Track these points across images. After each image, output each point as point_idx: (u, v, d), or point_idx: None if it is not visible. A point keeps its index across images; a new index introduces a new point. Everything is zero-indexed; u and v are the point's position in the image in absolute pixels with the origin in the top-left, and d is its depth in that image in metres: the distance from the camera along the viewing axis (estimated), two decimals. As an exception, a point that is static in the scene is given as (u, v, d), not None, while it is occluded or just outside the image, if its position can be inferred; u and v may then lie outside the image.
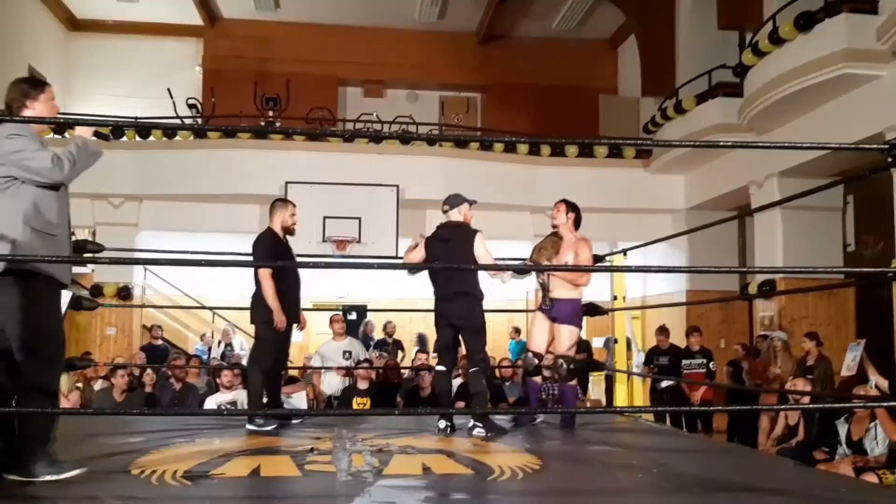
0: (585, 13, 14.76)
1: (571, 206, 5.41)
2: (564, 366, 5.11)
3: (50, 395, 3.34)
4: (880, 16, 7.69)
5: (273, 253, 5.17)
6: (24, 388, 3.28)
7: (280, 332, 5.14)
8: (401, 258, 10.54)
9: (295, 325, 5.40)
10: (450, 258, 5.01)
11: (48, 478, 3.22)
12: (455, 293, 4.98)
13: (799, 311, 9.64)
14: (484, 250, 5.03)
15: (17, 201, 3.24)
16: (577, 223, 5.39)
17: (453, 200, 5.26)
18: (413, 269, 5.29)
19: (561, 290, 5.20)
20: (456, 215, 5.23)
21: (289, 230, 5.40)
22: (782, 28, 8.53)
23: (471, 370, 5.11)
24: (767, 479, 3.58)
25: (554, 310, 5.20)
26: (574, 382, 5.35)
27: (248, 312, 5.29)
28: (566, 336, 5.17)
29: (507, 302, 12.89)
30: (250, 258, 5.38)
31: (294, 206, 5.48)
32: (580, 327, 5.30)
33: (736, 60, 10.29)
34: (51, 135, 11.24)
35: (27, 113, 3.36)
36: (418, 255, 5.20)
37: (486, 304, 5.16)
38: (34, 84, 3.46)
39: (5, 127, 3.28)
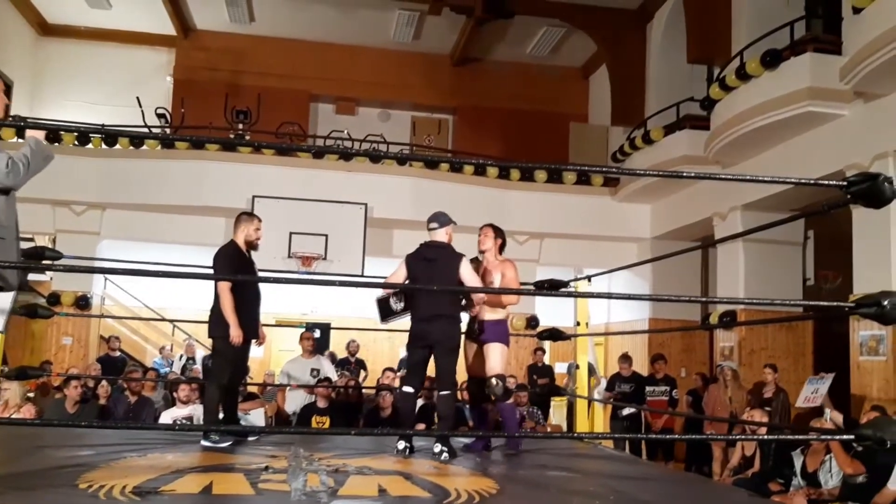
0: (559, 41, 14.97)
1: (499, 232, 5.36)
2: (500, 384, 5.02)
3: None
4: (843, 56, 7.90)
5: (234, 267, 5.09)
6: None
7: (238, 347, 5.06)
8: (367, 277, 10.54)
9: (253, 341, 5.33)
10: (433, 279, 4.89)
11: None
12: (436, 315, 4.89)
13: (758, 342, 9.78)
14: (471, 275, 4.98)
15: None
16: (502, 249, 5.36)
17: (442, 219, 5.12)
18: (398, 314, 5.16)
19: (488, 312, 5.16)
20: (442, 235, 5.10)
21: (252, 245, 5.32)
22: (749, 64, 8.72)
23: (442, 393, 4.99)
24: (721, 509, 3.60)
25: (483, 333, 5.15)
26: (511, 401, 5.29)
27: (207, 326, 5.21)
28: (497, 354, 5.09)
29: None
30: (212, 271, 5.30)
31: (259, 220, 5.38)
32: (507, 343, 5.19)
33: (704, 94, 10.50)
34: (14, 139, 11.07)
35: None
36: (400, 274, 5.08)
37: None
38: None
39: None
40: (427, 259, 5.01)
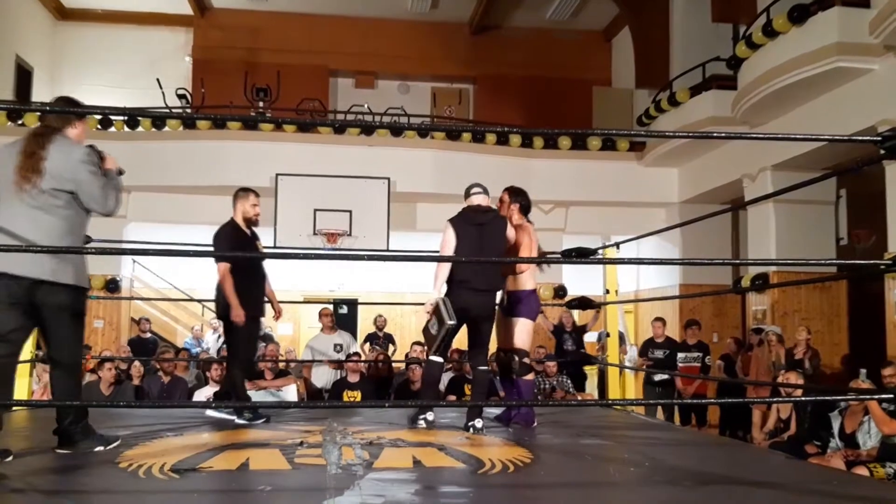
0: (579, 4, 14.72)
1: (515, 193, 5.11)
2: (517, 359, 4.93)
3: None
4: (872, 9, 7.70)
5: (233, 245, 5.00)
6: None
7: (251, 325, 5.00)
8: (392, 251, 10.54)
9: (271, 316, 5.29)
10: (486, 246, 4.67)
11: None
12: (491, 286, 4.74)
13: (791, 304, 9.66)
14: (513, 236, 4.88)
15: (80, 221, 3.65)
16: (523, 209, 5.10)
17: (483, 186, 4.90)
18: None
19: (511, 283, 4.99)
20: (485, 200, 4.86)
21: (251, 221, 5.20)
22: (776, 21, 8.51)
23: (482, 367, 4.86)
24: (759, 472, 3.56)
25: (512, 305, 5.01)
26: (531, 377, 5.10)
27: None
28: (518, 329, 4.97)
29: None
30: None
31: (257, 195, 5.26)
32: (532, 318, 5.01)
33: (730, 53, 10.29)
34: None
35: (71, 132, 3.68)
36: (451, 242, 4.68)
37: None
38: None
39: (77, 150, 3.59)
40: (478, 224, 4.73)
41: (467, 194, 4.91)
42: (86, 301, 3.75)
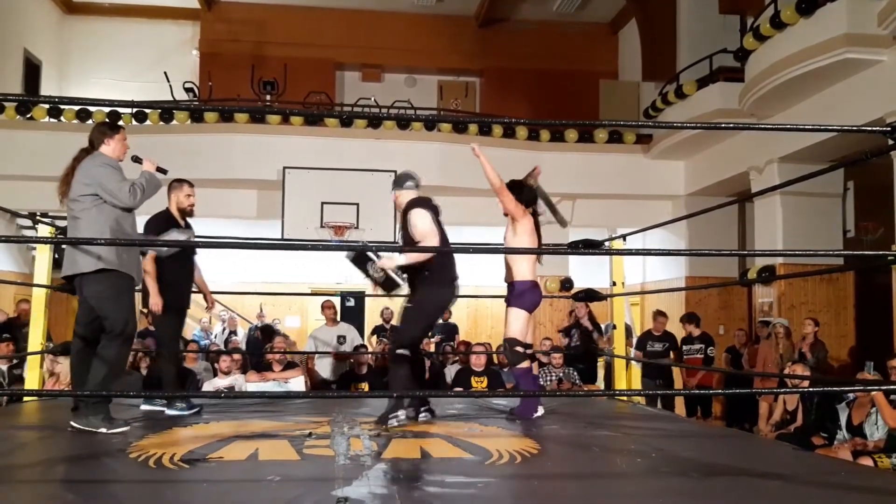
0: (585, -3, 14.68)
1: (510, 188, 5.10)
2: (507, 349, 4.95)
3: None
4: (881, 0, 7.65)
5: (160, 234, 4.99)
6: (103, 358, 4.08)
7: (178, 315, 4.99)
8: (399, 243, 10.56)
9: (205, 306, 5.34)
10: (445, 236, 4.75)
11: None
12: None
13: (798, 297, 9.63)
14: None
15: (105, 217, 4.13)
16: (522, 201, 5.08)
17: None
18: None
19: (508, 274, 5.06)
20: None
21: (185, 211, 5.16)
22: (784, 12, 8.48)
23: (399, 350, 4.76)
24: (766, 464, 3.57)
25: (507, 295, 5.05)
26: (525, 365, 5.06)
27: (243, 297, 5.23)
28: (509, 318, 4.97)
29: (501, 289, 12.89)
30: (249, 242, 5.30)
31: (191, 185, 5.20)
32: (526, 308, 4.96)
33: (737, 45, 10.24)
34: (46, 118, 11.15)
35: (105, 148, 4.30)
36: (433, 225, 4.67)
37: (489, 290, 5.05)
38: (111, 126, 4.40)
39: (96, 157, 4.22)
40: (438, 215, 4.80)
41: (414, 185, 4.93)
42: (119, 284, 4.13)
